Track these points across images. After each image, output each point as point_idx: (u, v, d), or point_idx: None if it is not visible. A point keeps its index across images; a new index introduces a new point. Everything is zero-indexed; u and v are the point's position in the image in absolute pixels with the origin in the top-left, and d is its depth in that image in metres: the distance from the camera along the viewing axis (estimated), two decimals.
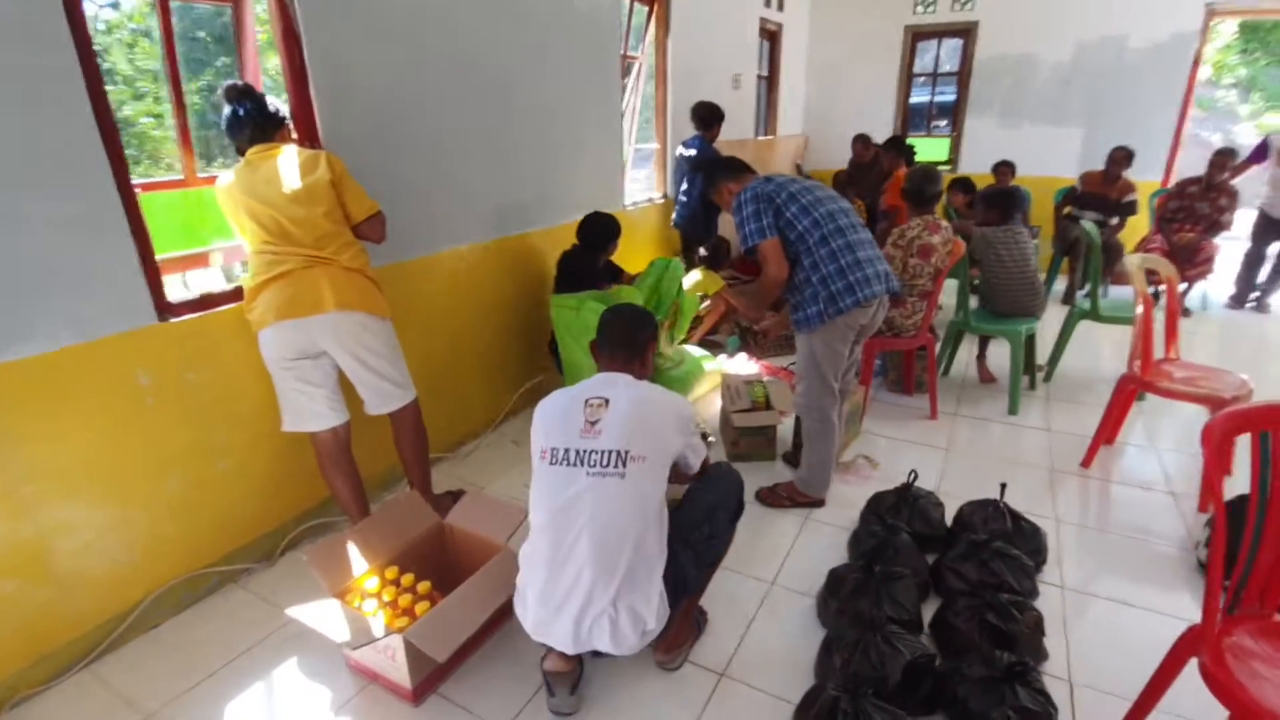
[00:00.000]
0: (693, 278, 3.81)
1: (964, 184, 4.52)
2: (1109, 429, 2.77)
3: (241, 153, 2.01)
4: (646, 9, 4.09)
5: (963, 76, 6.25)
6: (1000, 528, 2.09)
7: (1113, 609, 1.98)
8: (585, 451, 1.54)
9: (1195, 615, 1.93)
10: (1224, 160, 4.48)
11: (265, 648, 1.87)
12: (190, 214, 2.58)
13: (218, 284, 2.21)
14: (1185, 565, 2.16)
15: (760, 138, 6.25)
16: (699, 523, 1.67)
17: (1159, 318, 2.77)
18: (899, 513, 2.20)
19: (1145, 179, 5.60)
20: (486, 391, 3.12)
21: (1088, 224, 3.87)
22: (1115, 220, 4.95)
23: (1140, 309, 2.55)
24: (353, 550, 1.80)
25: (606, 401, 1.58)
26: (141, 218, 1.79)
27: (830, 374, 2.22)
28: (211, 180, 2.15)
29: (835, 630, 1.78)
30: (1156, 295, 3.49)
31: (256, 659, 1.84)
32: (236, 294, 2.05)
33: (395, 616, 1.68)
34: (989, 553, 1.94)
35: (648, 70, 4.29)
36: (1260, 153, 4.76)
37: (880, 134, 6.52)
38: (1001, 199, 3.35)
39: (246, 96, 1.93)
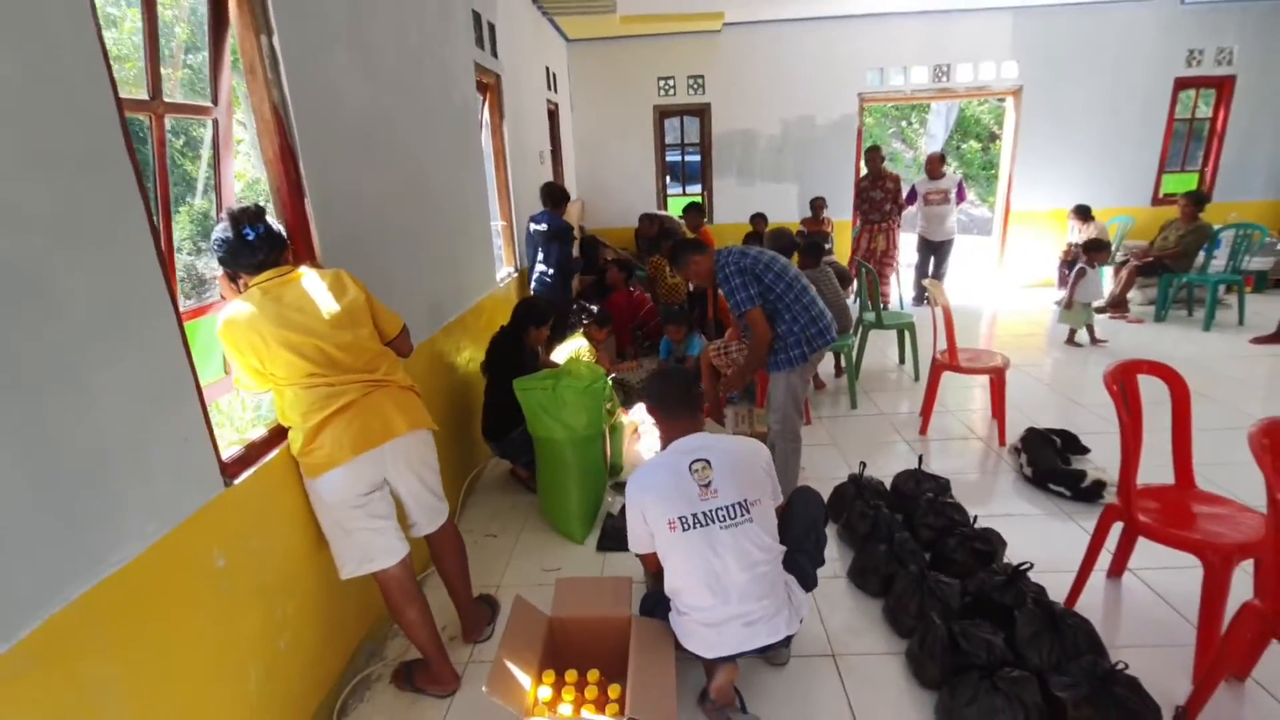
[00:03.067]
0: (577, 344, 4.08)
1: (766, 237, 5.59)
2: (929, 404, 3.85)
3: (235, 279, 1.82)
4: (482, 98, 4.28)
5: (705, 146, 7.60)
6: (930, 486, 2.86)
7: (1004, 519, 2.86)
8: (712, 510, 1.81)
9: (1039, 509, 2.94)
10: (876, 153, 6.22)
11: None
12: None
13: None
14: (1020, 483, 3.20)
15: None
16: (805, 534, 2.05)
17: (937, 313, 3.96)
18: (862, 495, 2.83)
19: (840, 218, 7.54)
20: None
21: (861, 261, 5.18)
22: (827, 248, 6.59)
23: (942, 316, 3.65)
24: (514, 669, 1.74)
25: (709, 463, 1.86)
26: (195, 368, 1.52)
27: (800, 402, 2.78)
28: (198, 313, 1.86)
29: (895, 596, 2.29)
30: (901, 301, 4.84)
31: None
32: (276, 438, 1.80)
33: (596, 711, 1.70)
34: (940, 506, 2.68)
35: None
36: (911, 197, 6.80)
37: (645, 195, 7.58)
38: (813, 248, 4.35)
39: (259, 219, 1.75)
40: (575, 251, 5.27)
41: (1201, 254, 5.93)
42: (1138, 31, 6.96)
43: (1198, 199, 5.89)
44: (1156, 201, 7.42)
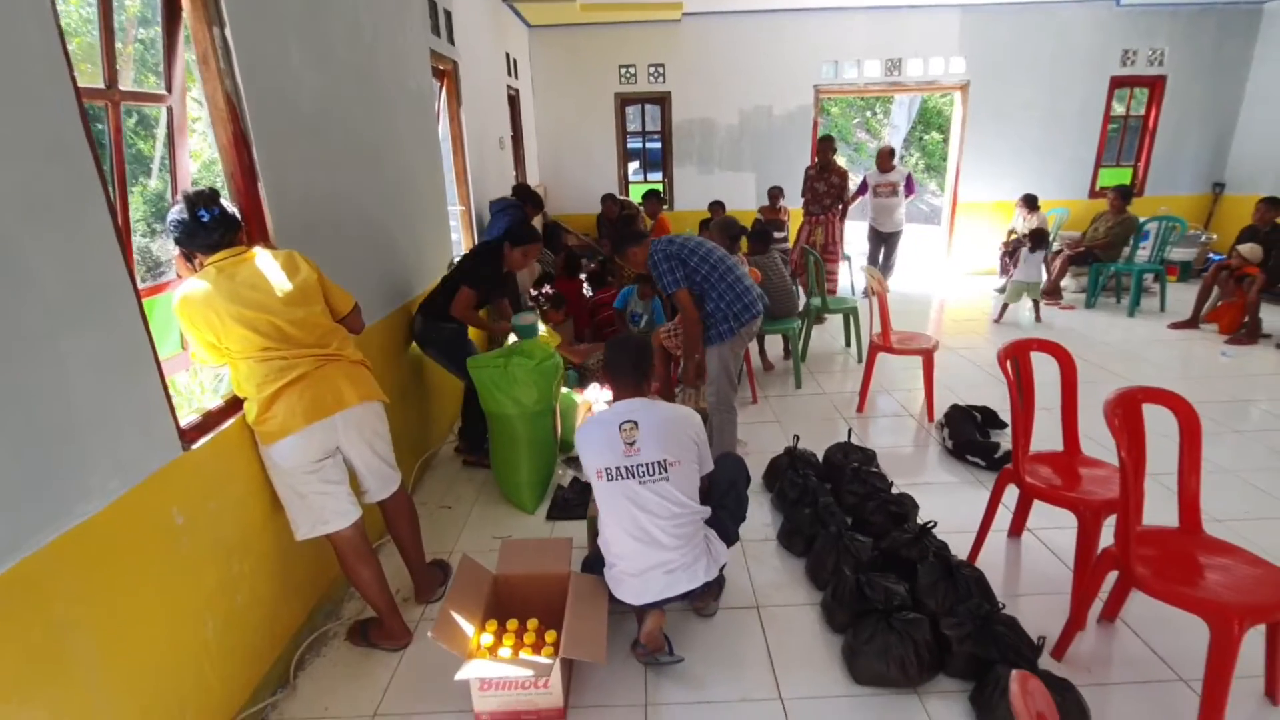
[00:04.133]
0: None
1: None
2: (866, 384, 4.09)
3: (190, 259, 1.92)
4: (439, 85, 4.36)
5: (665, 134, 7.74)
6: (857, 457, 3.09)
7: (924, 487, 3.10)
8: (634, 466, 2.01)
9: (956, 478, 3.18)
10: (828, 144, 6.40)
11: None
12: None
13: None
14: (942, 455, 3.46)
15: None
16: (726, 492, 2.25)
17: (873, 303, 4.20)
18: (795, 466, 3.05)
19: (796, 207, 7.75)
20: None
21: (806, 247, 5.39)
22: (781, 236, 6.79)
23: (878, 302, 3.89)
24: (459, 618, 1.91)
25: (636, 424, 2.05)
26: (154, 341, 1.63)
27: (733, 375, 2.99)
28: (155, 290, 1.96)
29: (815, 554, 2.51)
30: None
31: None
32: (232, 408, 1.92)
33: (533, 653, 1.88)
34: (865, 474, 2.90)
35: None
36: (861, 188, 7.05)
37: (606, 182, 7.69)
38: (761, 234, 4.54)
39: (214, 201, 1.85)
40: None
41: (1129, 245, 6.31)
42: (1076, 31, 7.30)
43: (1125, 193, 6.25)
44: (1094, 194, 7.82)
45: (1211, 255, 7.07)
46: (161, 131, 1.97)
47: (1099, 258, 6.38)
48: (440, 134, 4.40)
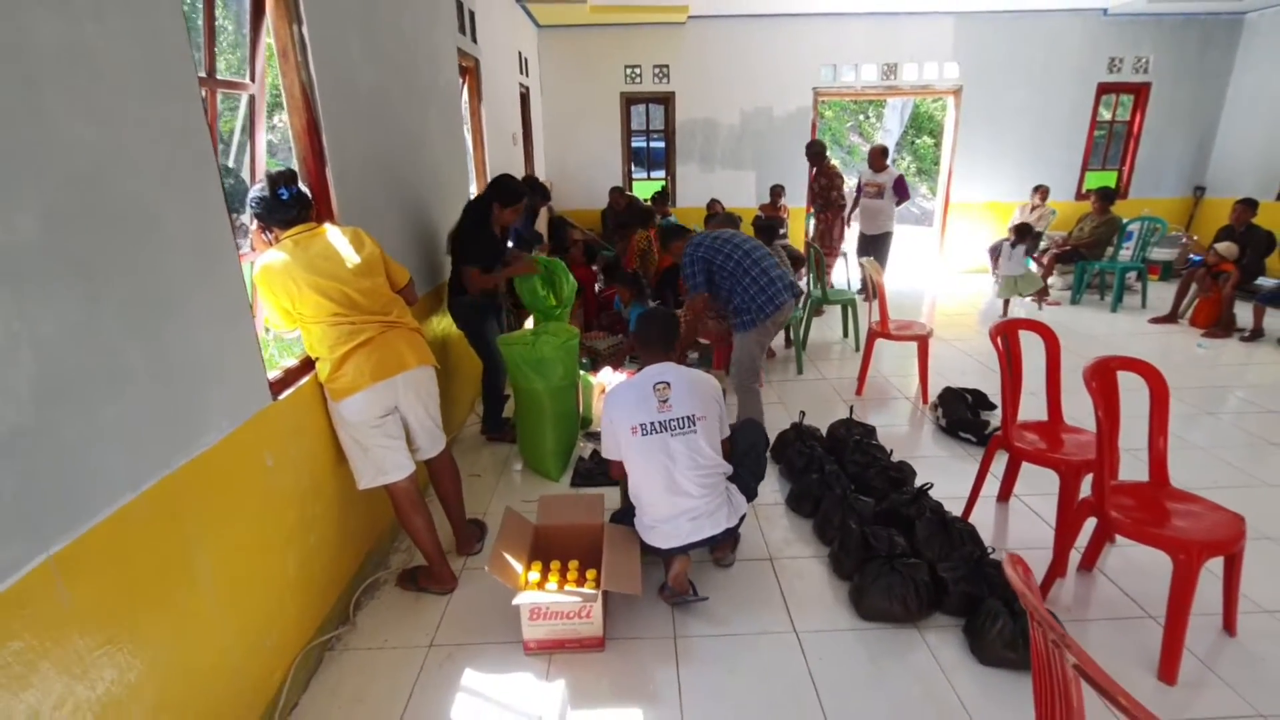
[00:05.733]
0: None
1: (727, 218, 6.00)
2: (865, 369, 4.33)
3: (268, 232, 2.12)
4: (463, 81, 4.56)
5: (669, 133, 7.98)
6: (858, 432, 3.33)
7: (919, 459, 3.35)
8: (667, 420, 2.24)
9: (948, 453, 3.41)
10: (809, 147, 6.57)
11: (430, 682, 2.03)
12: None
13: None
14: (936, 432, 3.71)
15: None
16: (746, 452, 2.49)
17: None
18: (801, 438, 3.29)
19: (795, 206, 8.02)
20: None
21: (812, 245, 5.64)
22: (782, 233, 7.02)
23: (876, 292, 4.13)
24: (509, 557, 2.13)
25: (669, 384, 2.29)
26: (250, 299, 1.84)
27: (756, 360, 3.22)
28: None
29: (822, 513, 2.74)
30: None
31: (433, 692, 2.00)
32: (305, 367, 2.13)
33: (576, 587, 2.10)
34: (866, 446, 3.15)
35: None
36: (856, 190, 7.30)
37: (611, 179, 7.91)
38: (765, 229, 4.79)
39: (293, 181, 2.07)
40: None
41: (1113, 244, 6.61)
42: (1066, 39, 7.60)
43: (1107, 194, 6.55)
44: (1080, 196, 8.12)
45: (1192, 256, 7.38)
46: (241, 116, 2.18)
47: (1084, 256, 6.67)
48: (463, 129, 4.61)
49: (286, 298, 2.04)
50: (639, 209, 6.59)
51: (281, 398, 1.95)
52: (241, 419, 1.73)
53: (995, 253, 6.98)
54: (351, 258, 2.14)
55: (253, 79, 2.10)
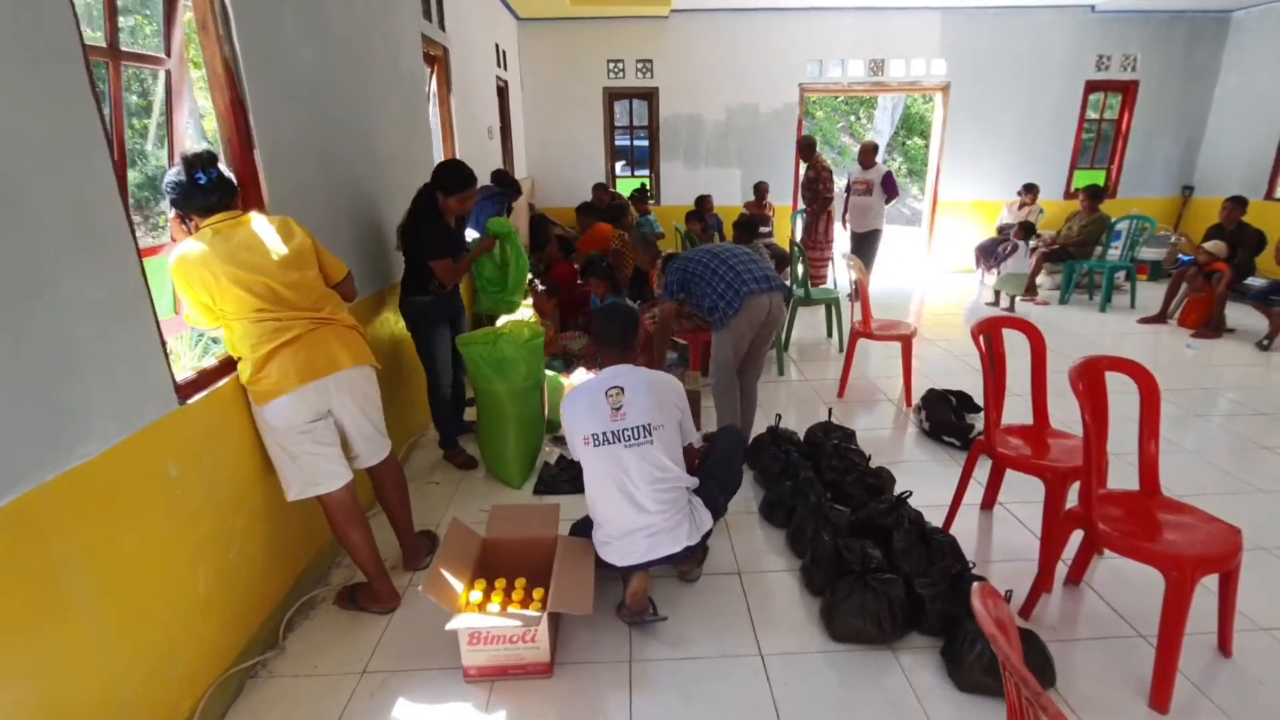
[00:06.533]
0: (524, 315, 4.27)
1: (697, 214, 5.84)
2: (847, 370, 4.18)
3: (186, 221, 1.94)
4: (430, 70, 4.39)
5: (652, 130, 7.82)
6: (837, 435, 3.17)
7: (901, 464, 3.20)
8: (619, 430, 2.07)
9: (931, 457, 3.26)
10: (810, 142, 6.48)
11: (358, 713, 1.86)
12: None
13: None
14: (919, 436, 3.56)
15: None
16: (719, 464, 2.32)
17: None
18: (777, 442, 3.13)
19: (781, 204, 7.88)
20: None
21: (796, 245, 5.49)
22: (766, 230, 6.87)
23: (859, 291, 3.98)
24: (449, 576, 1.95)
25: (623, 389, 2.12)
26: (151, 294, 1.66)
27: (731, 360, 3.05)
28: (150, 253, 1.98)
29: (795, 523, 2.58)
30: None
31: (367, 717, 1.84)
32: (226, 368, 1.95)
33: (520, 609, 1.93)
34: (844, 450, 2.99)
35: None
36: (846, 188, 7.16)
37: (594, 175, 7.74)
38: (746, 226, 4.62)
39: (212, 164, 1.88)
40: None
41: (1101, 244, 6.49)
42: (1053, 36, 7.50)
43: (1095, 193, 6.44)
44: (1069, 195, 8.02)
45: (1182, 256, 7.29)
46: (159, 99, 2.00)
47: (1073, 255, 6.55)
48: (430, 119, 4.43)
49: (205, 292, 1.86)
50: (619, 205, 6.42)
51: (192, 401, 1.76)
52: (136, 425, 1.55)
53: (985, 252, 6.86)
54: (278, 249, 1.96)
55: (168, 53, 1.92)
